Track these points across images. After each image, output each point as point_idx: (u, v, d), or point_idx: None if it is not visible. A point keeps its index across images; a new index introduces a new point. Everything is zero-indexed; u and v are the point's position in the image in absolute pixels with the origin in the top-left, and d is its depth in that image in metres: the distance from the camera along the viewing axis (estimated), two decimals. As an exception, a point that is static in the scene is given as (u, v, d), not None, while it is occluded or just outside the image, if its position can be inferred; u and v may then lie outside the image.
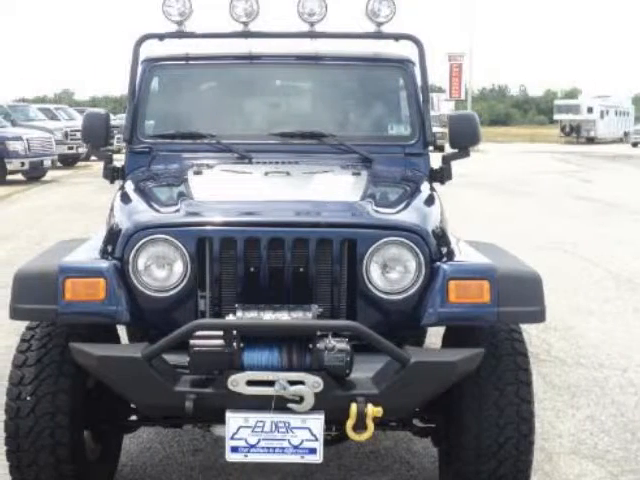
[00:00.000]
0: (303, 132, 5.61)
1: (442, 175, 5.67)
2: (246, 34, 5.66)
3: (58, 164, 29.22)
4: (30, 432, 4.15)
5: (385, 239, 4.07)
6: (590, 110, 66.30)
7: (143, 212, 4.39)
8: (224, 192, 4.75)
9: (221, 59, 5.97)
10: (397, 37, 5.77)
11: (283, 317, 3.90)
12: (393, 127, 5.92)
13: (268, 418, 3.81)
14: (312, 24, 5.57)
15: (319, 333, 3.81)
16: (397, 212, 4.37)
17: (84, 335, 4.21)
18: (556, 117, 71.27)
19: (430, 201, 4.75)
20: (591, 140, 65.67)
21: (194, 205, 4.38)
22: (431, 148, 5.72)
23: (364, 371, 3.90)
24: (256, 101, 6.16)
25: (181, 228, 4.14)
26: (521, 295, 4.11)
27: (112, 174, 5.64)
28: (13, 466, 4.27)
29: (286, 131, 5.65)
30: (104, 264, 4.11)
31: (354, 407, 3.75)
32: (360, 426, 3.79)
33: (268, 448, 3.85)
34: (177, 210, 4.30)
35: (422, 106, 5.68)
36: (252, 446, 3.84)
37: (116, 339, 4.61)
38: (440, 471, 4.66)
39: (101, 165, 5.74)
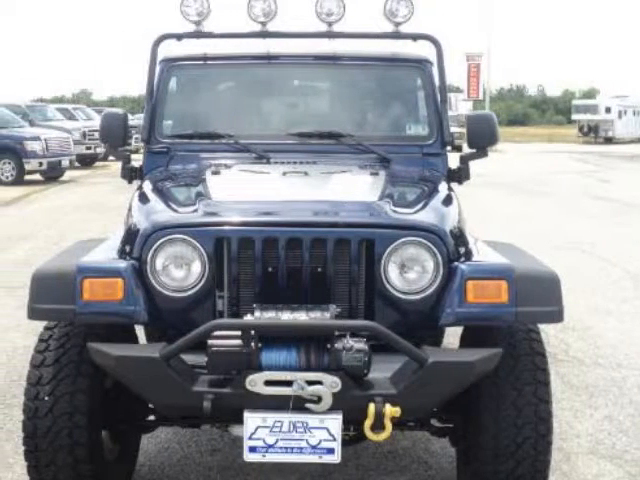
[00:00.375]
0: (321, 132, 5.61)
1: (460, 175, 5.67)
2: (264, 34, 5.66)
3: (76, 164, 29.22)
4: (48, 432, 4.15)
5: (403, 239, 4.06)
6: (608, 110, 65.91)
7: (161, 212, 4.40)
8: (242, 192, 4.74)
9: (239, 59, 5.97)
10: (415, 37, 5.75)
11: (301, 317, 3.89)
12: (411, 127, 5.91)
13: (286, 418, 3.81)
14: (330, 24, 5.56)
15: (337, 333, 3.81)
16: (415, 212, 4.37)
17: (102, 335, 4.22)
18: (574, 117, 70.87)
19: (448, 201, 4.74)
20: (609, 140, 65.28)
21: (212, 205, 4.39)
22: (449, 148, 5.71)
23: (382, 371, 3.90)
24: (274, 101, 6.16)
25: (199, 228, 4.14)
26: (539, 295, 4.09)
27: (130, 174, 5.65)
28: (31, 466, 4.28)
29: (304, 131, 5.64)
30: (122, 264, 4.12)
31: (372, 407, 3.75)
32: (378, 426, 3.78)
33: (286, 448, 3.85)
34: (195, 210, 4.30)
35: (440, 106, 5.67)
36: (270, 446, 3.84)
37: (134, 339, 4.61)
38: (458, 471, 4.65)
39: (119, 165, 5.77)
